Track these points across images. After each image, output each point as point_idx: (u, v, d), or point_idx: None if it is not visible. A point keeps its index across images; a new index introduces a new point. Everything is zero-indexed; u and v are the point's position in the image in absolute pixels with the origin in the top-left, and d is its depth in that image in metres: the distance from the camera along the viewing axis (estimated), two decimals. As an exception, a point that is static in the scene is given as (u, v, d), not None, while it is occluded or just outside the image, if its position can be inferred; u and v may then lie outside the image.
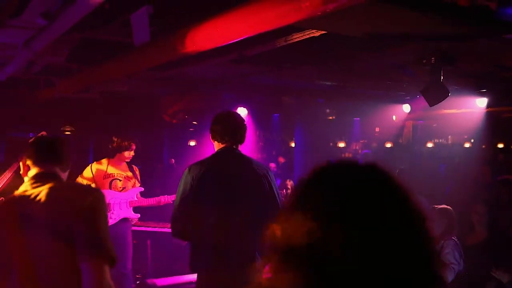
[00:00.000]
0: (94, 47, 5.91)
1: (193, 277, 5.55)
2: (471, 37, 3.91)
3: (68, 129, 10.01)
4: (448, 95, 4.67)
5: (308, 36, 4.25)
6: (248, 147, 10.25)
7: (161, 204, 6.14)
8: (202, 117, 10.35)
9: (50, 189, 2.46)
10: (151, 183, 7.84)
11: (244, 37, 3.41)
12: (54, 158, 2.62)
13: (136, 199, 6.03)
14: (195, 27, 3.83)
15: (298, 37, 4.37)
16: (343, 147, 13.35)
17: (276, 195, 3.85)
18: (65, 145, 2.71)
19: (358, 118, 11.97)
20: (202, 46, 3.94)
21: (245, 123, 3.97)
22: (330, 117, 10.31)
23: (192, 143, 12.28)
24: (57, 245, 2.36)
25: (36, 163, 2.58)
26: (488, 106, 7.50)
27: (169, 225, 6.96)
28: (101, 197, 2.47)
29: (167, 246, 6.91)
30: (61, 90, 7.36)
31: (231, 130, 3.85)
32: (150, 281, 5.33)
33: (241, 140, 3.91)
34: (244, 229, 3.70)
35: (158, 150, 12.57)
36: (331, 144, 12.23)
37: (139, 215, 6.10)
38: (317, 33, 4.15)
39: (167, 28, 4.42)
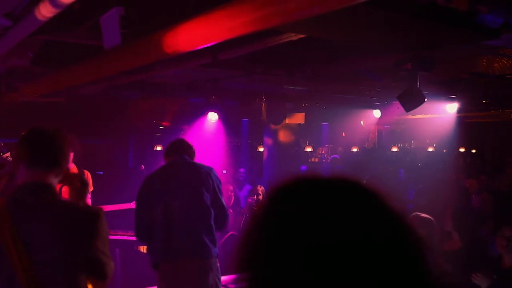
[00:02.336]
0: (61, 50, 5.72)
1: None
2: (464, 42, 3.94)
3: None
4: (424, 101, 4.69)
5: (286, 40, 4.18)
6: (218, 152, 10.17)
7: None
8: (170, 122, 10.20)
9: (45, 206, 2.28)
10: (111, 189, 7.67)
11: (226, 39, 3.30)
12: (51, 161, 2.33)
13: None
14: (172, 29, 3.70)
15: (275, 40, 4.28)
16: (310, 151, 13.36)
17: (218, 191, 4.30)
18: (66, 142, 2.40)
19: (327, 123, 11.99)
20: (179, 49, 3.81)
21: (192, 147, 4.54)
22: (299, 122, 10.29)
23: (159, 148, 12.07)
24: (55, 263, 2.24)
25: (29, 166, 2.30)
26: (457, 111, 7.59)
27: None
28: (101, 217, 2.31)
29: (137, 255, 6.75)
30: (25, 94, 7.09)
31: (178, 150, 4.45)
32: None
33: (190, 155, 4.46)
34: (187, 224, 4.15)
35: (123, 155, 12.31)
36: (298, 149, 12.19)
37: None
38: (295, 37, 4.07)
39: (140, 30, 4.27)
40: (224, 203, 4.40)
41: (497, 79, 6.11)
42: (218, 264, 4.25)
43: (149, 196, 4.26)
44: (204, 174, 4.28)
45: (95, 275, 2.35)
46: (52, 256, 2.23)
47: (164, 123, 10.46)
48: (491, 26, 3.74)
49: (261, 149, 11.41)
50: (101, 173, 9.81)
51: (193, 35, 3.57)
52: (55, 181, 2.36)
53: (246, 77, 7.17)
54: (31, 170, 2.30)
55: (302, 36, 4.04)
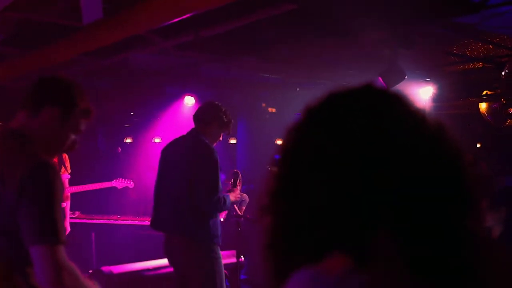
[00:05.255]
0: (34, 30, 5.58)
1: (148, 264, 5.39)
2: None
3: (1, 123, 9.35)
4: (405, 78, 4.81)
5: (268, 15, 4.18)
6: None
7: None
8: (143, 112, 10.07)
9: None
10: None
11: (224, 3, 3.24)
12: (34, 103, 2.16)
13: None
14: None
15: (257, 15, 4.28)
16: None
17: (198, 179, 3.97)
18: (64, 90, 2.20)
19: (300, 114, 12.00)
20: (163, 20, 3.76)
21: (206, 112, 4.26)
22: (270, 110, 10.28)
23: (129, 140, 11.83)
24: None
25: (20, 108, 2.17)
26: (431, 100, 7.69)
27: (114, 217, 6.86)
28: (45, 167, 1.99)
29: (112, 238, 6.70)
30: (-4, 78, 6.89)
31: (193, 119, 4.29)
32: (105, 268, 5.07)
33: (198, 121, 4.25)
34: (167, 206, 4.11)
35: (91, 147, 12.02)
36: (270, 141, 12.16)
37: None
38: (278, 11, 4.07)
39: (121, 2, 4.22)
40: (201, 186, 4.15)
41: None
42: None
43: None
44: (187, 157, 4.12)
45: (44, 237, 1.93)
46: None
47: (136, 111, 10.31)
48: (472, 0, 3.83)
49: (233, 141, 11.32)
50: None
51: (177, 4, 3.54)
52: (41, 130, 2.14)
53: (222, 64, 7.14)
54: (19, 114, 2.17)
55: (283, 10, 4.04)
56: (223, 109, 4.28)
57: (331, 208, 0.88)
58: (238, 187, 4.62)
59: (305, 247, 0.89)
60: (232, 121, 4.38)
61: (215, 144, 4.29)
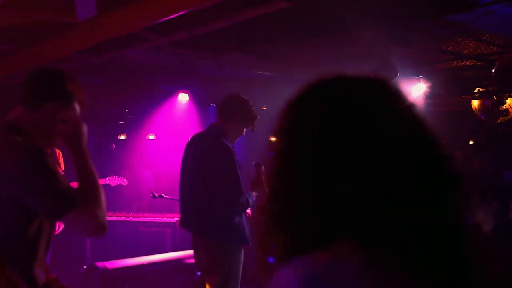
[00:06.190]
0: (29, 27, 5.57)
1: (142, 260, 5.41)
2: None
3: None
4: (397, 75, 4.85)
5: (263, 12, 4.19)
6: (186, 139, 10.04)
7: None
8: (137, 109, 10.06)
9: None
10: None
11: (218, 1, 3.25)
12: (31, 97, 2.18)
13: None
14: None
15: (252, 12, 4.29)
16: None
17: (217, 177, 3.85)
18: (59, 81, 2.20)
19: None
20: (159, 16, 3.78)
21: (229, 105, 4.08)
22: (264, 108, 10.29)
23: (123, 137, 11.82)
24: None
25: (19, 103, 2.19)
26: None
27: (108, 213, 6.85)
28: (32, 152, 2.03)
29: (106, 235, 6.69)
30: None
31: (216, 113, 4.18)
32: (100, 264, 5.09)
33: (219, 114, 4.12)
34: (190, 205, 4.03)
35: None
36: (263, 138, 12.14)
37: None
38: (273, 8, 4.08)
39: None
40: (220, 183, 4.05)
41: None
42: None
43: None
44: (206, 155, 3.98)
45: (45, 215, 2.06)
46: None
47: (130, 108, 10.30)
48: (465, -1, 3.87)
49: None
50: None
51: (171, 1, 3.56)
52: (40, 123, 2.17)
53: (216, 61, 7.14)
54: (17, 108, 2.19)
55: (281, 7, 4.06)
56: (248, 104, 4.05)
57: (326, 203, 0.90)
58: (263, 177, 4.46)
59: (309, 235, 0.91)
60: (258, 117, 4.13)
61: (236, 140, 4.14)
